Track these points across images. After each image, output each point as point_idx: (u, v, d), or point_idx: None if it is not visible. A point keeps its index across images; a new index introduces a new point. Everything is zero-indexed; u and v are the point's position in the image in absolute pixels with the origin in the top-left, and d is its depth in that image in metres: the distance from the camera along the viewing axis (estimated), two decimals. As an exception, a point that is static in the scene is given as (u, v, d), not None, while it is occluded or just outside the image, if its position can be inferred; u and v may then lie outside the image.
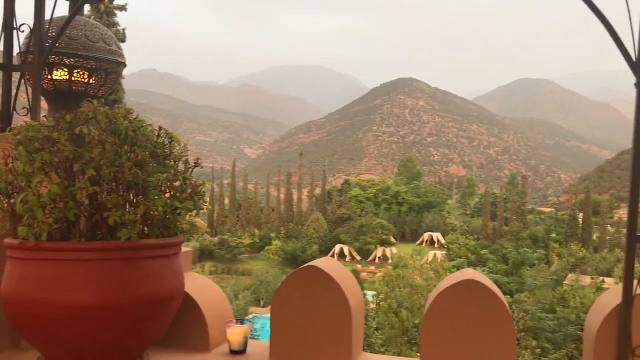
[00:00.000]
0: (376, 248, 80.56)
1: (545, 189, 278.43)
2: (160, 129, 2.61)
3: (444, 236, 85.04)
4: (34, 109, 3.06)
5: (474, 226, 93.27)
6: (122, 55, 3.38)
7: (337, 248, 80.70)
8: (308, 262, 2.94)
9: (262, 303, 47.23)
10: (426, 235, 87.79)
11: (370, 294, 31.29)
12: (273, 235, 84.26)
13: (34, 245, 2.24)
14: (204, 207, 2.61)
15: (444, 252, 68.41)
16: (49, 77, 3.15)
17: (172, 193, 2.50)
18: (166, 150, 2.57)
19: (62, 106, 3.26)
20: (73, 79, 3.17)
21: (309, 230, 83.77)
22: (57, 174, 2.28)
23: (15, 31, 3.13)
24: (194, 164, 2.65)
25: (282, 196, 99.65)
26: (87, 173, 2.26)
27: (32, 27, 3.10)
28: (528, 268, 55.98)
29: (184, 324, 2.98)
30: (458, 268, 40.94)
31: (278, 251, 76.43)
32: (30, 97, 3.09)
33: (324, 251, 79.22)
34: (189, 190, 2.54)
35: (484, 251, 70.24)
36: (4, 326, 2.89)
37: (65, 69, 3.14)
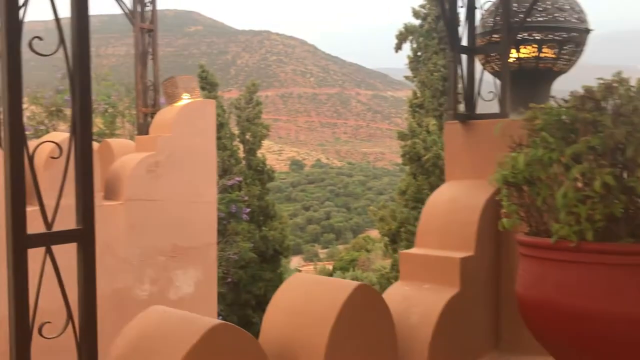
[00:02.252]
0: None
1: None
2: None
3: None
4: (503, 92, 2.82)
5: None
6: (587, 21, 2.93)
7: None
8: None
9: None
10: None
11: None
12: None
13: (576, 246, 1.93)
14: None
15: None
16: (515, 55, 2.88)
17: None
18: None
19: (522, 86, 2.97)
20: (541, 55, 2.84)
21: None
22: (599, 161, 1.93)
23: (475, 11, 2.94)
24: None
25: None
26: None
27: (495, 4, 2.86)
28: None
29: None
30: None
31: None
32: (492, 78, 2.86)
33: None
34: None
35: None
36: (488, 326, 2.73)
37: (534, 45, 2.83)
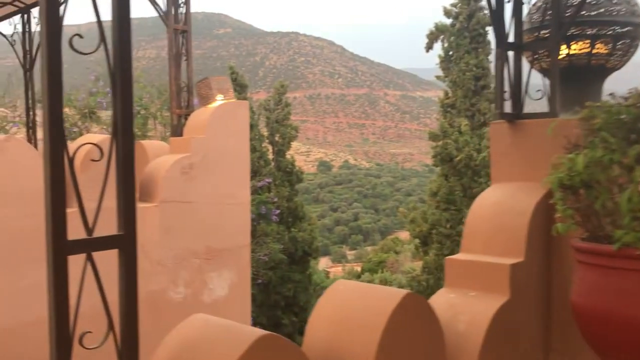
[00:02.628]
0: None
1: None
2: None
3: None
4: (552, 90, 2.69)
5: None
6: (643, 16, 2.78)
7: None
8: None
9: None
10: None
11: None
12: None
13: (641, 254, 1.80)
14: None
15: None
16: (565, 51, 2.74)
17: None
18: None
19: (572, 84, 2.83)
20: (594, 51, 2.70)
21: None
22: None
23: (522, 5, 2.82)
24: None
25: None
26: None
27: (543, -2, 2.73)
28: None
29: None
30: None
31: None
32: (541, 76, 2.74)
33: None
34: None
35: None
36: (539, 335, 2.61)
37: (587, 41, 2.69)
